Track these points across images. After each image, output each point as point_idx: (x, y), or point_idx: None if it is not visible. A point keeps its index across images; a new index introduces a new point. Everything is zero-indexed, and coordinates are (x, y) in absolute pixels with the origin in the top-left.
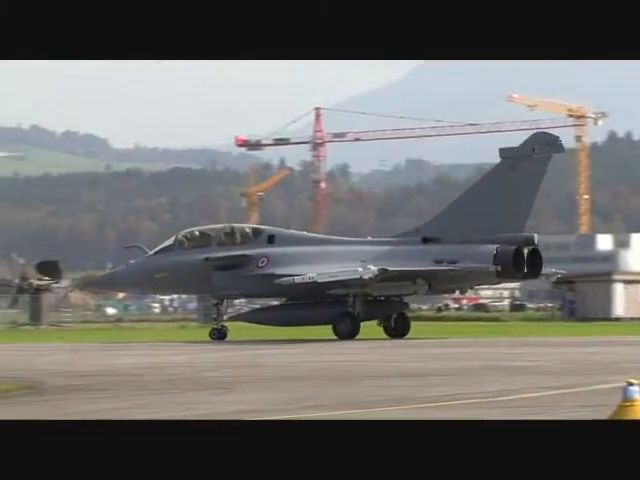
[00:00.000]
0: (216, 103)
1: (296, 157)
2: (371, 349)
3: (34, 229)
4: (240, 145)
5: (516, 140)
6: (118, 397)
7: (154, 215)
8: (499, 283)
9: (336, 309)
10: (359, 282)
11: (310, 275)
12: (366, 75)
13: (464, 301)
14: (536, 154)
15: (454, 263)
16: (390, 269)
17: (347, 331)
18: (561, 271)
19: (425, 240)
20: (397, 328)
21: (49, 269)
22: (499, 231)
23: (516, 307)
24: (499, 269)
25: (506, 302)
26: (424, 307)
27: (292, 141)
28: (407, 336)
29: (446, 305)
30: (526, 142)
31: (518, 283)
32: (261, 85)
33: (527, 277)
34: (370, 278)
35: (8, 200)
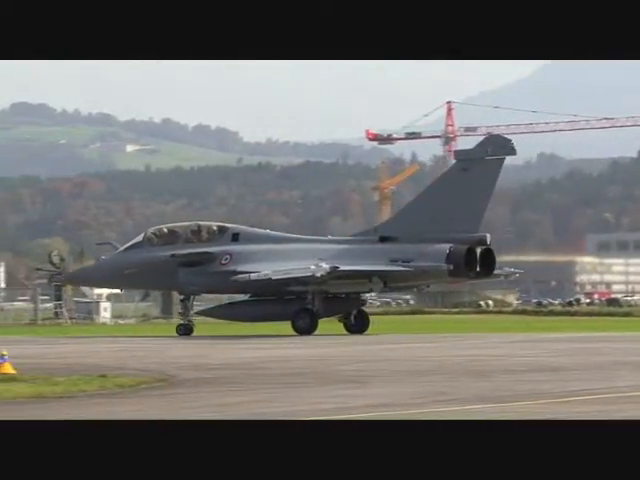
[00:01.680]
0: (348, 97)
1: (428, 151)
2: (502, 344)
3: (165, 222)
4: (371, 139)
5: None
6: (248, 391)
7: (286, 209)
8: (452, 282)
9: (295, 306)
10: (312, 279)
11: (265, 272)
12: (495, 72)
13: (596, 296)
14: (489, 156)
15: (408, 262)
16: (341, 267)
17: (305, 327)
18: (519, 271)
19: (382, 239)
20: (357, 324)
21: None
22: (453, 231)
23: None
24: (451, 268)
25: (638, 297)
26: (555, 302)
27: (423, 135)
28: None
29: (577, 300)
30: (480, 145)
31: None
32: (393, 79)
33: (480, 276)
34: (322, 275)
35: (140, 193)
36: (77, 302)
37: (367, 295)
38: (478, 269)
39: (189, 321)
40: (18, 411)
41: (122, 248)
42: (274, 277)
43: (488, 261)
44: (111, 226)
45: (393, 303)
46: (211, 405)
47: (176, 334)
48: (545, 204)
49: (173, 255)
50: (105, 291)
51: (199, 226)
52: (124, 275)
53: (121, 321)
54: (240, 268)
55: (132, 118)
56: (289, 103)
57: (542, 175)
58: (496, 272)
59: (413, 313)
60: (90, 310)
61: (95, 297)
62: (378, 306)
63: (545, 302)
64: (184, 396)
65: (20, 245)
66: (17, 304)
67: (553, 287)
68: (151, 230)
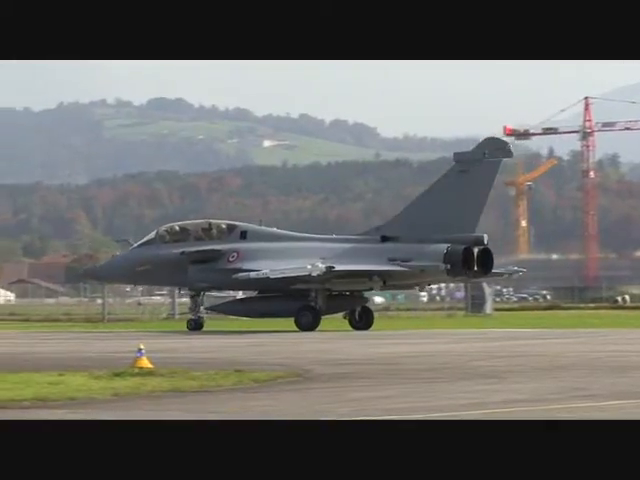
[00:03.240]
0: (485, 92)
1: (565, 146)
2: None
3: (303, 218)
4: (508, 134)
5: None
6: (383, 386)
7: None
8: (451, 281)
9: (298, 303)
10: (309, 279)
11: (264, 271)
12: (633, 67)
13: None
14: (487, 158)
15: (407, 261)
16: (337, 267)
17: (308, 324)
18: (521, 269)
19: (383, 239)
20: (361, 321)
21: None
22: (452, 231)
23: None
24: (449, 267)
25: None
26: None
27: (561, 130)
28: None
29: None
30: (478, 147)
31: None
32: (529, 75)
33: (477, 275)
34: (318, 275)
35: (277, 189)
36: (213, 297)
37: (504, 290)
38: (476, 268)
39: (199, 317)
40: (155, 405)
41: (135, 245)
42: (272, 276)
43: (486, 260)
44: (247, 221)
45: (530, 298)
46: (345, 400)
47: (187, 329)
48: None
49: (183, 252)
50: None
51: (210, 224)
52: (137, 272)
53: None
54: (246, 265)
55: (269, 113)
56: (427, 98)
57: None
58: (499, 271)
59: (550, 308)
60: None
61: (231, 292)
62: (515, 302)
63: None
64: (319, 391)
65: None
66: (155, 298)
67: None
68: (163, 228)
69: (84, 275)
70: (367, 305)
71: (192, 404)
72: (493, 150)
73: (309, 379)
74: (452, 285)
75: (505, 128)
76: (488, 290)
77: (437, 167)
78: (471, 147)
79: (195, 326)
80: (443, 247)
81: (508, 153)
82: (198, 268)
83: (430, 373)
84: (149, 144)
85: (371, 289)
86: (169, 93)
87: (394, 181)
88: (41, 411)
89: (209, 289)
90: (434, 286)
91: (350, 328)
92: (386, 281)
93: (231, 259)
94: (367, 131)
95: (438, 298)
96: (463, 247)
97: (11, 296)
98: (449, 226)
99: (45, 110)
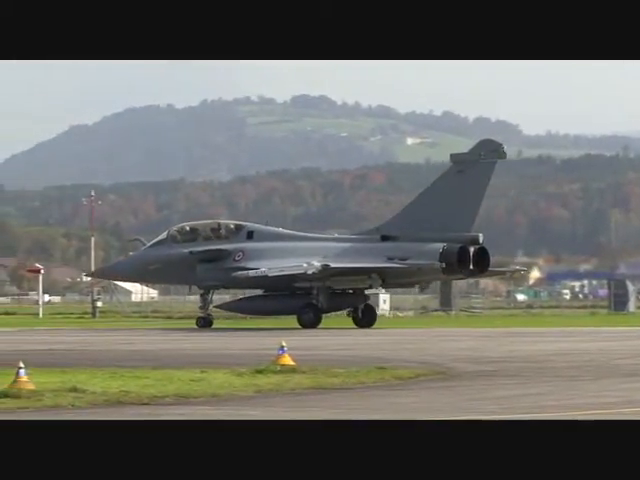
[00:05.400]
0: (630, 90)
1: None
2: None
3: None
4: None
5: None
6: (526, 384)
7: (565, 202)
8: (447, 279)
9: (301, 301)
10: (305, 276)
11: (262, 270)
12: None
13: None
14: (482, 159)
15: (405, 260)
16: (333, 265)
17: (310, 321)
18: (522, 268)
19: (383, 238)
20: (364, 318)
21: None
22: (449, 230)
23: None
24: (444, 266)
25: None
26: None
27: None
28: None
29: None
30: (474, 148)
31: None
32: None
33: (473, 274)
34: (314, 273)
35: (421, 186)
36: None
37: None
38: (472, 267)
39: (208, 314)
40: (297, 402)
41: (148, 245)
42: (270, 274)
43: (482, 259)
44: (386, 219)
45: None
46: (492, 398)
47: (195, 326)
48: None
49: (191, 252)
50: None
51: (219, 224)
52: (149, 270)
53: (400, 313)
54: (250, 264)
55: (412, 110)
56: (570, 95)
57: None
58: (501, 269)
59: None
60: None
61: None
62: None
63: None
64: (464, 389)
65: None
66: None
67: None
68: (174, 228)
69: (98, 274)
70: (369, 302)
71: (334, 401)
72: (488, 152)
73: (452, 377)
74: (595, 283)
75: None
76: (632, 288)
77: (580, 164)
78: (611, 145)
79: (204, 324)
80: (439, 246)
81: (502, 155)
82: (206, 267)
83: (573, 371)
84: (292, 141)
85: (371, 287)
86: (312, 90)
87: (537, 178)
88: (183, 408)
89: (217, 287)
90: (577, 283)
91: (354, 325)
92: (385, 279)
93: (237, 258)
94: (509, 128)
95: (581, 296)
96: (459, 246)
97: (154, 293)
98: (446, 225)
99: (188, 107)
